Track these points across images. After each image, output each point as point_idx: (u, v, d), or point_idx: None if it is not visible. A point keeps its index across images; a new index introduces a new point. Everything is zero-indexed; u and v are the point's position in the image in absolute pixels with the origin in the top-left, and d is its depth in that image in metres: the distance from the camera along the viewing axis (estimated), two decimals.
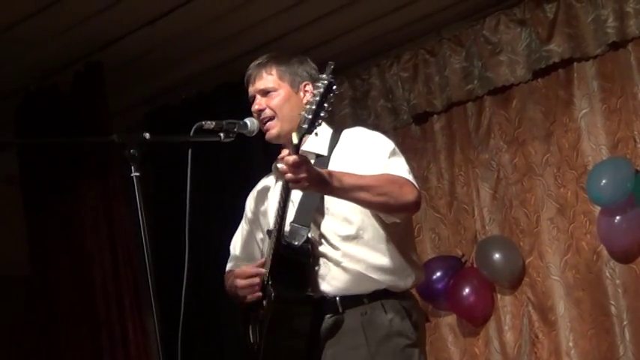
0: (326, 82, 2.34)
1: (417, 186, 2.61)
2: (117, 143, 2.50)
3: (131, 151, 2.48)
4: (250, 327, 2.76)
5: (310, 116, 2.34)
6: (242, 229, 2.97)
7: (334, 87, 2.35)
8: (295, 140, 2.38)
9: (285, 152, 2.40)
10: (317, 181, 2.42)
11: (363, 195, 2.51)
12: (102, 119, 4.60)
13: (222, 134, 2.70)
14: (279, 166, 2.41)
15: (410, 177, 2.62)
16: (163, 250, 4.01)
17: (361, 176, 2.55)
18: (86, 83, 4.62)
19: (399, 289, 2.66)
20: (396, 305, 2.63)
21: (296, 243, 2.59)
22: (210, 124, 2.68)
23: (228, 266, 2.97)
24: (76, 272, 4.64)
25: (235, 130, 2.71)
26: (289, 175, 2.38)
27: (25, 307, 4.85)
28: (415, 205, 2.60)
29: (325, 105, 2.34)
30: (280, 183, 2.79)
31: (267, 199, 2.85)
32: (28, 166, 4.83)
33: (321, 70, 2.44)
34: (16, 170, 4.87)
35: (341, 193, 2.50)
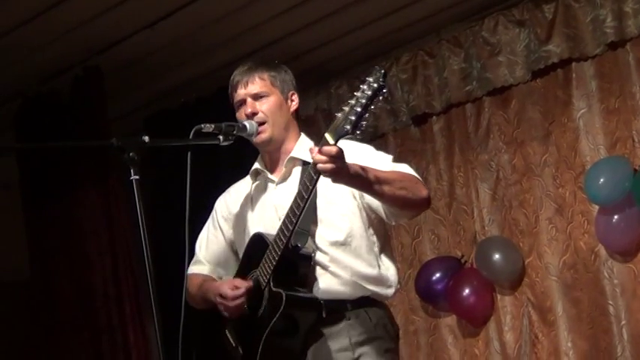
0: (375, 85, 2.29)
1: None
2: (116, 147, 2.50)
3: (130, 154, 2.48)
4: (227, 331, 2.75)
5: (353, 117, 2.29)
6: (209, 233, 2.93)
7: (384, 91, 2.30)
8: (332, 141, 2.33)
9: (326, 149, 2.34)
10: (353, 172, 2.41)
11: (387, 188, 2.49)
12: (101, 123, 4.60)
13: (221, 137, 2.69)
14: (317, 157, 2.36)
15: (418, 176, 2.65)
16: (163, 253, 4.00)
17: (383, 171, 2.55)
18: (85, 87, 4.62)
19: (381, 298, 2.70)
20: (379, 313, 2.67)
21: (299, 245, 2.60)
22: (209, 127, 2.68)
23: (195, 269, 2.91)
24: (76, 277, 4.64)
25: (234, 132, 2.70)
26: (330, 166, 2.34)
27: (26, 312, 4.84)
28: (428, 201, 2.63)
29: (372, 107, 2.30)
30: (263, 188, 2.78)
31: (246, 205, 2.83)
32: (27, 170, 4.83)
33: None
34: (16, 175, 4.87)
35: (370, 186, 2.47)
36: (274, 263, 2.59)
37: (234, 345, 2.73)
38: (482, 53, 4.51)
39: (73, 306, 4.62)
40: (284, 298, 2.54)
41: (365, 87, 2.30)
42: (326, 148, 2.34)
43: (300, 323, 2.60)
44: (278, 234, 2.58)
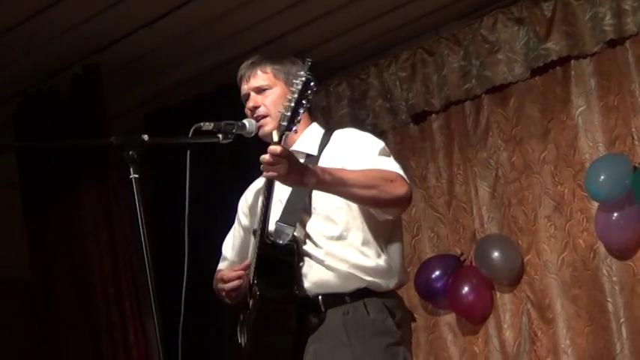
0: (303, 78, 2.33)
1: (407, 180, 2.61)
2: (115, 145, 2.51)
3: (130, 152, 2.48)
4: (238, 328, 2.76)
5: (289, 113, 2.34)
6: (234, 230, 2.98)
7: (312, 83, 2.34)
8: (275, 138, 2.37)
9: (271, 148, 2.39)
10: (298, 172, 2.41)
11: (351, 190, 2.49)
12: (100, 121, 4.60)
13: (220, 135, 2.70)
14: (261, 157, 2.40)
15: (401, 172, 2.61)
16: (163, 252, 4.01)
17: (350, 171, 2.54)
18: (84, 86, 4.62)
19: (382, 289, 2.67)
20: (379, 304, 2.64)
21: (280, 242, 2.60)
22: (208, 126, 2.69)
23: (220, 266, 2.99)
24: (76, 275, 4.64)
25: (234, 131, 2.71)
26: (272, 173, 2.38)
27: (26, 311, 4.84)
28: (405, 200, 2.58)
29: (303, 102, 2.34)
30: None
31: (259, 201, 2.84)
32: (27, 169, 4.83)
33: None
34: (16, 174, 4.86)
35: (326, 186, 2.48)
36: (255, 260, 2.61)
37: (239, 342, 2.74)
38: (482, 51, 4.51)
39: (73, 304, 4.62)
40: (258, 295, 2.57)
41: (297, 81, 2.35)
42: (270, 148, 2.36)
43: (279, 321, 2.60)
44: (257, 231, 2.60)
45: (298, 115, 2.35)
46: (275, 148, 2.36)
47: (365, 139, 2.75)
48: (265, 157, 2.37)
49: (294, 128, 2.37)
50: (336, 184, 2.47)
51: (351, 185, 2.49)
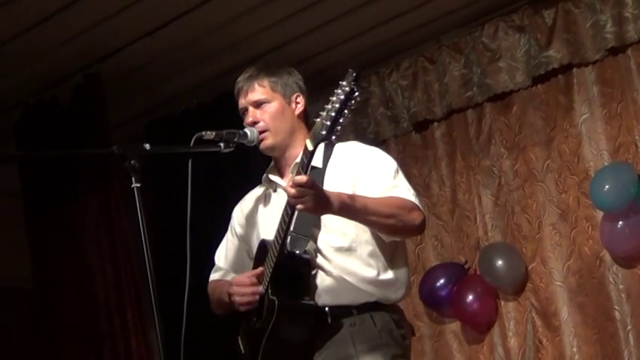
0: (347, 88, 2.30)
1: (422, 209, 2.64)
2: (117, 154, 2.51)
3: (131, 162, 2.48)
4: (239, 337, 2.75)
5: (328, 122, 2.31)
6: (228, 241, 2.96)
7: (356, 94, 2.32)
8: (310, 147, 2.35)
9: (297, 178, 2.38)
10: (324, 201, 2.42)
11: (372, 218, 2.54)
12: (102, 130, 4.60)
13: (222, 144, 2.70)
14: (287, 188, 2.41)
15: (416, 200, 2.64)
16: (165, 261, 4.00)
17: (371, 199, 2.56)
18: (86, 95, 4.62)
19: (389, 301, 2.67)
20: (385, 317, 2.64)
21: (297, 252, 2.59)
22: (210, 135, 2.68)
23: (214, 276, 2.95)
24: (78, 284, 4.64)
25: (235, 140, 2.71)
26: (300, 206, 2.39)
27: (28, 320, 4.84)
28: (420, 229, 2.64)
29: (345, 112, 2.31)
30: (273, 194, 2.80)
31: (257, 211, 2.84)
32: (28, 178, 4.83)
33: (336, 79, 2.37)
34: (17, 183, 4.86)
35: (349, 213, 2.51)
36: (271, 271, 2.59)
37: (243, 352, 2.72)
38: (483, 59, 4.51)
39: (75, 314, 4.61)
40: (276, 307, 2.55)
41: (339, 91, 2.32)
42: (297, 178, 2.37)
43: (296, 331, 2.59)
44: (274, 241, 2.59)
45: (338, 125, 2.32)
46: (301, 179, 2.37)
47: (377, 158, 2.75)
48: (291, 190, 2.38)
49: (333, 138, 2.35)
50: (359, 212, 2.51)
51: (372, 213, 2.53)
